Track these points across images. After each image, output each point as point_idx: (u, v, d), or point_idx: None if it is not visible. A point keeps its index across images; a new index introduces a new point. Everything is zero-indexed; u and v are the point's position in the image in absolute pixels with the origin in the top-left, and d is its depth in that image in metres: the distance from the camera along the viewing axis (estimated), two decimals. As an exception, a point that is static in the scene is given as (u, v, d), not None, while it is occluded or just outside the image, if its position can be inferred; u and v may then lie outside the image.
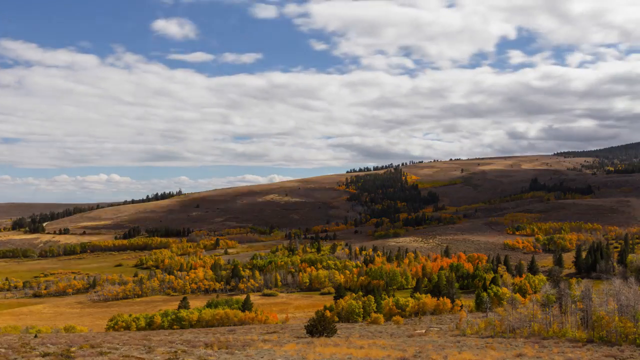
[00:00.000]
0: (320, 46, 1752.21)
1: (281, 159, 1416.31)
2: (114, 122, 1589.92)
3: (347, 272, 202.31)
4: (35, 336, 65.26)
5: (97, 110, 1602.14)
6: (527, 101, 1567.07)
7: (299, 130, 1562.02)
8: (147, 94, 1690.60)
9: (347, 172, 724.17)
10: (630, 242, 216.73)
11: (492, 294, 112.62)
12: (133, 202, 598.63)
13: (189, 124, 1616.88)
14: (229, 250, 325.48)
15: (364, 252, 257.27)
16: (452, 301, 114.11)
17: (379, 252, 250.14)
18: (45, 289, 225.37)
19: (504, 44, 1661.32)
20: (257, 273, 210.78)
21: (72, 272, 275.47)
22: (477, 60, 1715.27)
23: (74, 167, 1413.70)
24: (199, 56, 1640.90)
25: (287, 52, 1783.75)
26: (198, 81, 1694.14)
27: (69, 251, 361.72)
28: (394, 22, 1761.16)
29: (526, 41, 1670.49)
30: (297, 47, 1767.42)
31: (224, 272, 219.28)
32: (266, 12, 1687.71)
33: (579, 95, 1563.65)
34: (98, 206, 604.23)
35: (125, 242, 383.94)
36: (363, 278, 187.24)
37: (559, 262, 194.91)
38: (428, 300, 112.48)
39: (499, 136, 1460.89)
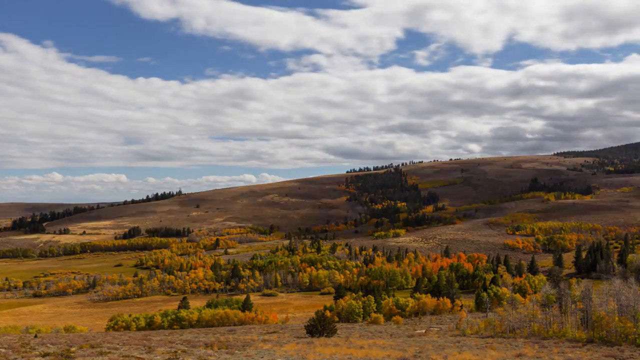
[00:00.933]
0: (225, 48, 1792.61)
1: (250, 159, 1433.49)
2: (62, 122, 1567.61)
3: (347, 272, 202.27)
4: (35, 336, 65.25)
5: (34, 110, 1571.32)
6: (460, 100, 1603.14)
7: (254, 131, 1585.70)
8: (75, 93, 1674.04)
9: (347, 172, 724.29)
10: (630, 242, 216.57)
11: (492, 294, 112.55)
12: (133, 202, 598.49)
13: (143, 124, 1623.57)
14: (229, 250, 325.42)
15: (364, 252, 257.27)
16: (452, 301, 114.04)
17: (379, 252, 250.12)
18: (45, 289, 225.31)
19: (405, 45, 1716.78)
20: (257, 273, 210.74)
21: (72, 272, 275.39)
22: (385, 59, 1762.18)
23: (59, 167, 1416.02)
24: (101, 58, 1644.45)
25: (194, 54, 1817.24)
26: (120, 82, 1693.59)
27: (69, 251, 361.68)
28: (281, 26, 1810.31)
29: (422, 43, 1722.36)
30: (203, 49, 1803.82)
31: (224, 272, 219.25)
32: (148, 11, 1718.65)
33: (508, 94, 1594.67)
34: (98, 206, 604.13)
35: (125, 242, 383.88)
36: (363, 278, 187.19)
37: (559, 262, 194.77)
38: (428, 300, 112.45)
39: (451, 136, 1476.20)
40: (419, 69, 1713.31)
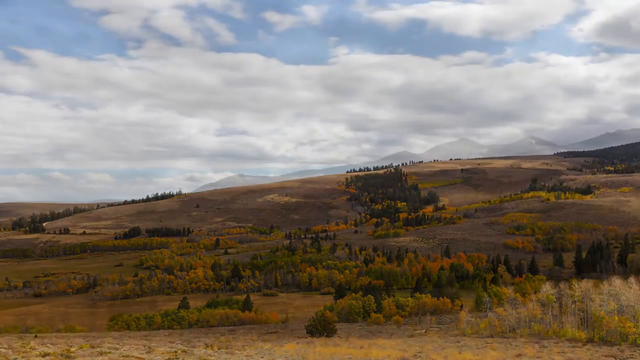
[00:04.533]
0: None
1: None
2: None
3: (347, 272, 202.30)
4: (35, 336, 65.21)
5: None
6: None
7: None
8: None
9: (347, 172, 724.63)
10: (630, 242, 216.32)
11: (492, 294, 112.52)
12: (133, 202, 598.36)
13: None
14: (229, 250, 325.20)
15: (363, 252, 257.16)
16: (452, 301, 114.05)
17: (379, 252, 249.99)
18: (45, 289, 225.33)
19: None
20: (257, 273, 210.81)
21: (72, 272, 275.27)
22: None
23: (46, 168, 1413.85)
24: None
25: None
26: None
27: (69, 251, 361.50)
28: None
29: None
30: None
31: (224, 272, 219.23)
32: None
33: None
34: (98, 206, 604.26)
35: (125, 242, 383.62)
36: (363, 278, 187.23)
37: (559, 262, 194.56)
38: (428, 300, 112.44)
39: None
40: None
